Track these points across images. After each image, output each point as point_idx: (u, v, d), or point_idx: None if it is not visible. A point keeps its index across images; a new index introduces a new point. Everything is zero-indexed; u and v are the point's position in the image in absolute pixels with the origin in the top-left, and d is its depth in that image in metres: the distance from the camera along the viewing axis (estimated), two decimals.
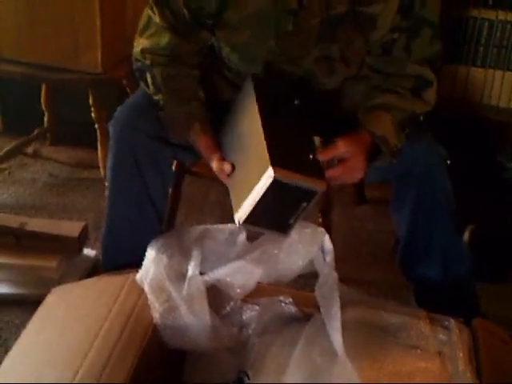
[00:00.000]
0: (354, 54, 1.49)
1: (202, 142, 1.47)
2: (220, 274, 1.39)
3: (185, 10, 1.43)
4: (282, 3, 1.38)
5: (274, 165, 1.24)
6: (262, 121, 1.31)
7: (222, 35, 1.48)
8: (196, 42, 1.50)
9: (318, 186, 1.29)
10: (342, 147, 1.40)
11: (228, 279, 1.40)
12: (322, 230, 1.47)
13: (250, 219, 1.30)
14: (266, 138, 1.28)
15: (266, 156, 1.25)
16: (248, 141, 1.36)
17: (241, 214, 1.31)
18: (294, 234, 1.39)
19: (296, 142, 1.35)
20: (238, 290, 1.41)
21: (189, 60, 1.52)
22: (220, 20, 1.43)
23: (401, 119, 1.46)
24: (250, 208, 1.28)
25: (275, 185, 1.24)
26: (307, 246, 1.43)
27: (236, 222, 1.32)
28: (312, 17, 1.40)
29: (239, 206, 1.31)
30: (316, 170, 1.32)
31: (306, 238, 1.43)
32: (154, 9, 1.47)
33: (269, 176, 1.24)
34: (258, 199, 1.27)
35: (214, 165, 1.41)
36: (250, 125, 1.35)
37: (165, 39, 1.48)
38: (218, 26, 1.45)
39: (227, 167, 1.38)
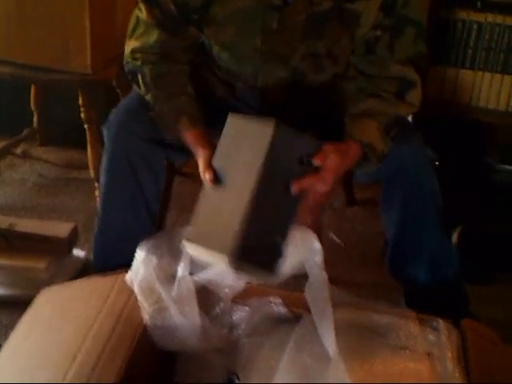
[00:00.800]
0: (341, 52, 1.49)
1: (190, 135, 1.47)
2: (209, 274, 1.39)
3: (171, 6, 1.44)
4: None
5: (234, 257, 1.21)
6: (253, 193, 1.24)
7: (209, 32, 1.50)
8: (184, 38, 1.52)
9: (268, 279, 1.30)
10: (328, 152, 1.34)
11: (218, 280, 1.40)
12: (312, 232, 1.46)
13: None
14: (245, 220, 1.23)
15: (234, 238, 1.22)
16: (235, 188, 1.29)
17: (192, 252, 1.32)
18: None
19: (274, 223, 1.29)
20: (227, 290, 1.41)
21: (179, 57, 1.53)
22: (207, 15, 1.44)
23: (386, 123, 1.46)
24: (199, 258, 1.31)
25: (229, 266, 1.24)
26: (298, 249, 1.43)
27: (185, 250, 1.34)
28: (296, 13, 1.41)
29: (195, 244, 1.31)
30: (273, 260, 1.29)
31: (297, 240, 1.42)
32: (142, 6, 1.48)
33: (226, 262, 1.23)
34: (209, 262, 1.30)
35: (200, 165, 1.36)
36: (244, 176, 1.28)
37: (153, 37, 1.49)
38: (205, 22, 1.47)
39: (209, 176, 1.31)
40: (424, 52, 1.52)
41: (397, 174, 1.50)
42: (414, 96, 1.50)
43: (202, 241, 1.29)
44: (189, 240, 1.32)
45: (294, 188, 1.28)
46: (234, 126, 1.36)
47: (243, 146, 1.31)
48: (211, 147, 1.40)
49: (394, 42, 1.47)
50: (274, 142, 1.26)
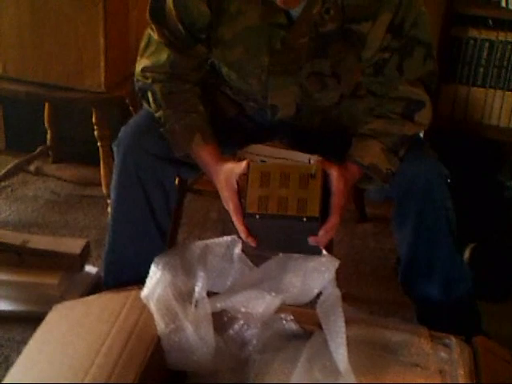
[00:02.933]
0: (345, 71, 1.50)
1: (204, 153, 1.48)
2: (234, 302, 1.39)
3: (180, 26, 1.46)
4: (269, 17, 1.41)
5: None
6: None
7: (217, 53, 1.51)
8: (193, 56, 1.53)
9: None
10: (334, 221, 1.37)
11: (242, 308, 1.40)
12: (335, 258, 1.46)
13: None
14: None
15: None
16: None
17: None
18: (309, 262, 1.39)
19: None
20: (253, 315, 1.41)
21: (188, 77, 1.54)
22: (214, 35, 1.47)
23: (391, 144, 1.47)
24: None
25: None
26: (322, 274, 1.42)
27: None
28: (300, 35, 1.43)
29: None
30: None
31: (321, 265, 1.42)
32: (153, 27, 1.51)
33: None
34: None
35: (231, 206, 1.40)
36: None
37: (164, 56, 1.51)
38: (213, 42, 1.49)
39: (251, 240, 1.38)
40: (434, 72, 1.52)
41: (410, 191, 1.50)
42: (424, 116, 1.51)
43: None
44: None
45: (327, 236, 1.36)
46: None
47: None
48: (225, 164, 1.43)
49: (403, 63, 1.47)
50: None
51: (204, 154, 1.48)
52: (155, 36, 1.51)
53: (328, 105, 1.59)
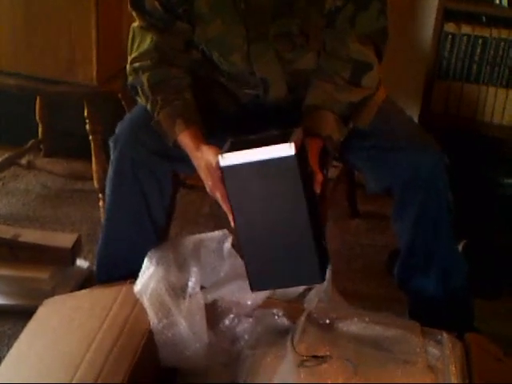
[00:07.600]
0: (312, 29, 1.49)
1: (185, 138, 1.46)
2: (224, 292, 1.41)
3: (156, 3, 1.49)
4: None
5: (323, 279, 1.33)
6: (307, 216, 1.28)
7: (199, 32, 1.52)
8: (175, 34, 1.53)
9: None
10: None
11: (232, 298, 1.41)
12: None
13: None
14: (313, 245, 1.29)
15: (316, 265, 1.29)
16: (281, 220, 1.30)
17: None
18: None
19: (319, 230, 1.36)
20: (246, 305, 1.42)
21: (175, 60, 1.54)
22: (192, 12, 1.49)
23: (340, 112, 1.46)
24: None
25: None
26: None
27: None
28: None
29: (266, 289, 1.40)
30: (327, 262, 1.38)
31: None
32: (134, 13, 1.53)
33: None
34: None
35: (202, 174, 1.40)
36: (288, 207, 1.30)
37: (148, 41, 1.52)
38: (193, 20, 1.50)
39: (220, 193, 1.34)
40: (386, 29, 1.51)
41: (413, 181, 1.49)
42: (371, 79, 1.50)
43: (274, 283, 1.36)
44: (258, 289, 1.36)
45: (319, 189, 1.36)
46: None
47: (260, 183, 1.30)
48: (206, 150, 1.40)
49: (356, 15, 1.46)
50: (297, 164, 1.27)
51: (185, 139, 1.46)
52: (137, 23, 1.53)
53: (306, 68, 1.56)
